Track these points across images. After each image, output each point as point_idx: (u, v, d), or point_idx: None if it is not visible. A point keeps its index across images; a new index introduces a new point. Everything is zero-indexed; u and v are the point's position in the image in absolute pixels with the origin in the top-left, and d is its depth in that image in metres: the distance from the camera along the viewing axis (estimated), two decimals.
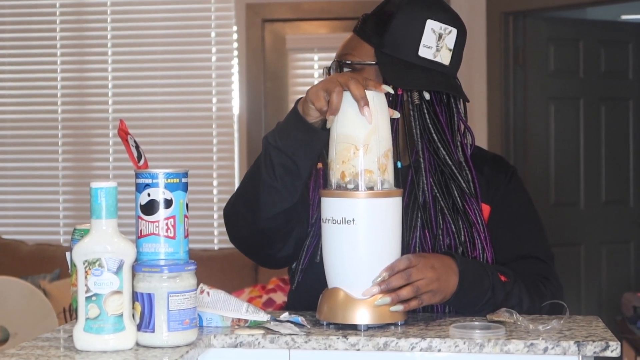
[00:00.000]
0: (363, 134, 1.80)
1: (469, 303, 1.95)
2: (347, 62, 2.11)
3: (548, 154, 5.78)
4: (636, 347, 4.15)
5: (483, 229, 2.05)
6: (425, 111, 2.09)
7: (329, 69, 2.15)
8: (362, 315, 1.79)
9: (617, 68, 5.98)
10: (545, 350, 1.69)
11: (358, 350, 1.74)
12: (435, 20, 2.14)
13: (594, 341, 1.69)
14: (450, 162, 2.07)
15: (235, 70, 6.01)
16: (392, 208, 1.80)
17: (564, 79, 5.82)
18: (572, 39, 5.84)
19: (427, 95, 2.10)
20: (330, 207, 1.81)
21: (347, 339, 1.74)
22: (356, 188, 1.79)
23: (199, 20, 6.09)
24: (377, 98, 1.82)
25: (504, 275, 2.00)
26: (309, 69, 6.01)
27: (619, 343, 1.70)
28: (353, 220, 1.79)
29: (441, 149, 2.08)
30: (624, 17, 6.66)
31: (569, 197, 5.85)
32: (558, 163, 5.81)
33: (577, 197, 5.88)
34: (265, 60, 5.96)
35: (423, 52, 2.11)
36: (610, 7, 6.05)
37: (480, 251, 2.04)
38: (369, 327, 1.80)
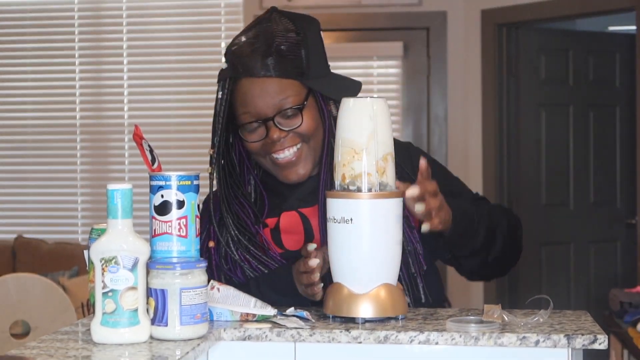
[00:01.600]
0: (362, 139, 1.80)
1: (465, 232, 1.97)
2: (294, 107, 2.01)
3: (539, 157, 5.78)
4: (623, 340, 4.15)
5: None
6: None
7: (264, 122, 2.02)
8: (365, 309, 1.79)
9: (604, 77, 5.97)
10: (537, 343, 1.68)
11: (360, 342, 1.74)
12: (320, 30, 2.11)
13: (583, 334, 1.69)
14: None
15: None
16: (388, 208, 1.80)
17: (554, 87, 5.81)
18: (562, 49, 5.84)
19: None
20: (332, 207, 1.81)
21: (350, 332, 1.74)
22: (357, 190, 1.80)
23: (209, 30, 6.09)
24: (377, 104, 1.82)
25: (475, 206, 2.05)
26: None
27: (607, 336, 1.70)
28: (351, 219, 1.79)
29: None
30: (611, 28, 6.65)
31: (559, 198, 5.85)
32: (549, 166, 5.81)
33: (567, 198, 5.88)
34: None
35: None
36: (598, 18, 6.05)
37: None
38: (366, 321, 1.80)
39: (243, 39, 2.04)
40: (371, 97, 1.85)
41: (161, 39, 6.16)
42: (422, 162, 1.86)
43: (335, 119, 1.95)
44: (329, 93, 2.06)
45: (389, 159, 1.81)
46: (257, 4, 5.90)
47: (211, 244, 2.07)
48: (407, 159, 2.10)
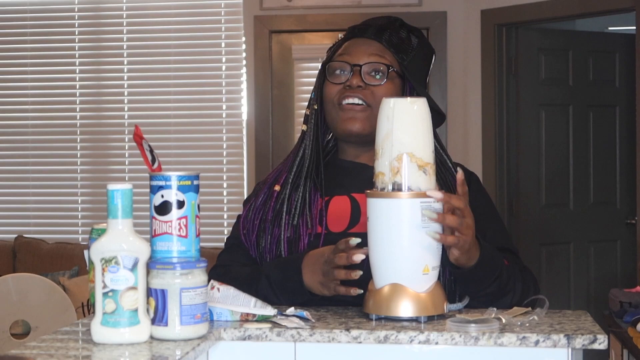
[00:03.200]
0: (379, 139, 1.82)
1: (482, 278, 1.93)
2: (385, 64, 2.14)
3: (539, 157, 5.78)
4: (622, 340, 4.15)
5: None
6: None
7: (352, 67, 2.14)
8: (388, 308, 1.81)
9: (604, 76, 5.97)
10: (537, 343, 1.68)
11: (360, 342, 1.74)
12: (434, 55, 2.27)
13: (582, 334, 1.69)
14: (450, 165, 2.14)
15: (244, 78, 6.01)
16: (396, 208, 1.80)
17: (554, 87, 5.81)
18: (562, 49, 5.84)
19: None
20: (365, 205, 1.86)
21: (350, 332, 1.74)
22: (377, 189, 1.82)
23: (209, 31, 6.09)
24: (397, 104, 1.82)
25: (505, 259, 2.01)
26: (314, 77, 5.98)
27: (607, 336, 1.70)
28: (368, 218, 1.83)
29: (442, 154, 2.14)
30: (611, 28, 6.66)
31: (559, 198, 5.85)
32: (549, 166, 5.81)
33: (567, 198, 5.88)
34: (272, 69, 5.97)
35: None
36: (597, 19, 6.05)
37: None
38: (379, 318, 1.81)
39: (369, 19, 2.23)
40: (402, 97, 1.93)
41: (161, 39, 6.16)
42: (460, 174, 1.85)
43: None
44: (417, 85, 2.15)
45: (404, 158, 1.80)
46: (257, 4, 5.91)
47: (277, 187, 2.14)
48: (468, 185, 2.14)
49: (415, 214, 1.79)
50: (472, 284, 1.94)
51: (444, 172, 2.12)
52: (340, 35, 2.23)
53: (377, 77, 2.14)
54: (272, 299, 1.98)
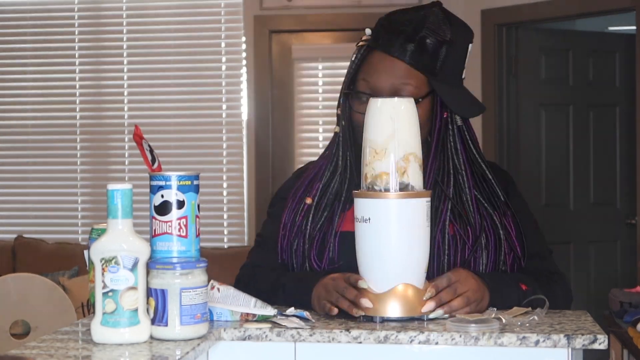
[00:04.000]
0: (381, 139, 1.80)
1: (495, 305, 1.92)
2: (410, 96, 1.99)
3: (539, 157, 5.78)
4: (623, 340, 4.14)
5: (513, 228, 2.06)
6: (465, 130, 2.09)
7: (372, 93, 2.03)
8: (383, 308, 1.80)
9: (604, 76, 5.97)
10: (537, 343, 1.68)
11: (360, 342, 1.74)
12: (471, 43, 2.13)
13: (583, 334, 1.69)
14: (490, 176, 2.09)
15: (243, 78, 6.01)
16: (404, 208, 1.80)
17: (554, 87, 5.81)
18: (562, 49, 5.84)
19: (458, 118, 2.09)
20: (356, 206, 1.83)
21: (350, 332, 1.74)
22: (380, 190, 1.80)
23: (209, 31, 6.09)
24: (403, 104, 1.82)
25: (524, 283, 1.98)
26: (314, 77, 6.01)
27: (607, 336, 1.70)
28: (369, 219, 1.80)
29: (482, 164, 2.09)
30: (611, 28, 6.65)
31: (559, 198, 5.85)
32: (549, 166, 5.81)
33: (567, 198, 5.88)
34: (272, 69, 5.97)
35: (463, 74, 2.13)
36: (598, 18, 6.05)
37: (512, 247, 2.05)
38: (383, 320, 1.80)
39: (397, 16, 2.08)
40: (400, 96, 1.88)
41: (161, 39, 6.16)
42: (431, 288, 1.84)
43: (458, 128, 2.05)
44: (448, 102, 2.05)
45: (410, 159, 1.80)
46: (257, 3, 5.91)
47: (309, 200, 2.10)
48: (505, 186, 2.14)
49: (423, 213, 1.81)
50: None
51: (478, 168, 2.08)
52: (366, 34, 2.09)
53: None
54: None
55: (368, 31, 2.10)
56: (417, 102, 1.98)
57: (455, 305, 1.82)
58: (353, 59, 2.11)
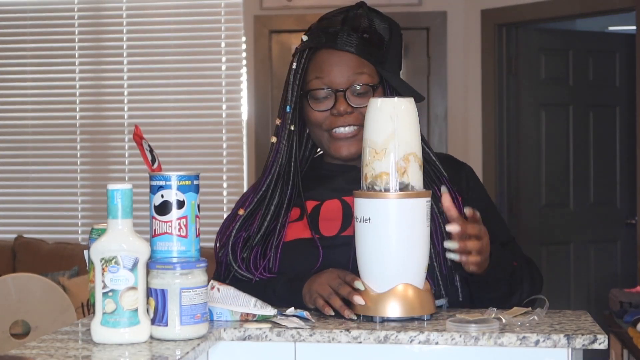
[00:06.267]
0: (381, 139, 1.80)
1: (493, 282, 1.95)
2: (367, 84, 2.06)
3: (539, 157, 5.78)
4: (623, 340, 4.15)
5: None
6: None
7: (335, 93, 2.06)
8: (382, 308, 1.80)
9: (604, 76, 5.98)
10: (537, 343, 1.68)
11: (360, 342, 1.74)
12: (402, 35, 2.17)
13: (583, 334, 1.69)
14: (436, 160, 2.11)
15: (243, 78, 6.01)
16: (405, 208, 1.79)
17: (554, 87, 5.81)
18: (562, 49, 5.84)
19: None
20: (355, 206, 1.83)
21: (350, 332, 1.74)
22: (380, 190, 1.80)
23: (209, 31, 6.09)
24: (403, 103, 1.82)
25: (514, 260, 2.03)
26: None
27: (607, 336, 1.70)
28: (369, 219, 1.80)
29: (425, 148, 2.08)
30: (611, 28, 6.66)
31: (559, 199, 5.85)
32: (549, 166, 5.81)
33: (567, 198, 5.88)
34: (272, 69, 5.96)
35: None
36: (597, 18, 6.05)
37: None
38: (383, 320, 1.80)
39: (331, 18, 2.11)
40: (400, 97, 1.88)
41: (161, 39, 6.16)
42: (469, 211, 1.86)
43: None
44: (401, 90, 2.08)
45: (410, 159, 1.80)
46: (257, 4, 5.91)
47: (241, 211, 2.10)
48: (458, 176, 2.14)
49: (423, 213, 1.81)
50: (484, 287, 1.97)
51: (426, 166, 2.07)
52: (304, 36, 2.12)
53: (362, 95, 2.07)
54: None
55: (304, 37, 2.12)
56: (374, 90, 2.07)
57: (470, 246, 1.83)
58: (294, 66, 2.10)
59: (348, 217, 2.06)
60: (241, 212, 2.10)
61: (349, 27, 2.07)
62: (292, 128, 2.12)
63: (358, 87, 2.06)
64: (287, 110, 2.11)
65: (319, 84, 2.08)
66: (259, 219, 2.08)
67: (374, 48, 2.07)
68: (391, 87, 2.10)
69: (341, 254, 2.00)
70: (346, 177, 2.11)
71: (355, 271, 1.86)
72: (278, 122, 2.14)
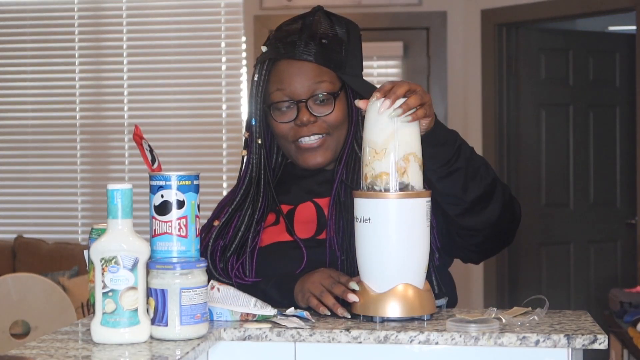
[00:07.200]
0: (381, 139, 1.80)
1: (444, 142, 1.96)
2: (328, 92, 2.06)
3: (539, 157, 5.78)
4: (623, 340, 4.15)
5: None
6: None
7: (297, 104, 2.06)
8: (382, 308, 1.80)
9: (604, 76, 5.98)
10: (537, 343, 1.69)
11: (360, 342, 1.74)
12: (360, 35, 2.17)
13: (583, 334, 1.69)
14: None
15: (243, 78, 6.01)
16: (405, 208, 1.79)
17: (554, 87, 5.82)
18: (562, 48, 5.84)
19: None
20: (356, 206, 1.83)
21: (350, 332, 1.74)
22: (380, 190, 1.80)
23: (209, 31, 6.09)
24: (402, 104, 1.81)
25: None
26: None
27: (607, 336, 1.70)
28: (369, 219, 1.80)
29: None
30: (611, 28, 6.66)
31: (559, 199, 5.85)
32: (549, 166, 5.81)
33: (567, 198, 5.88)
34: None
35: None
36: (598, 18, 6.05)
37: None
38: (384, 320, 1.80)
39: (288, 26, 2.11)
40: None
41: (161, 39, 6.16)
42: (361, 102, 1.84)
43: (363, 118, 1.97)
44: (361, 91, 2.07)
45: (410, 159, 1.80)
46: (257, 4, 5.91)
47: (216, 222, 2.10)
48: None
49: (423, 213, 1.81)
50: (442, 152, 1.95)
51: None
52: (264, 47, 2.12)
53: (324, 104, 2.07)
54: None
55: (264, 48, 2.12)
56: (335, 97, 2.07)
57: (411, 102, 1.78)
58: (256, 78, 2.10)
59: (322, 219, 2.08)
60: (216, 223, 2.11)
61: (307, 35, 2.06)
62: (260, 142, 2.13)
63: (320, 96, 2.06)
64: (253, 123, 2.12)
65: (280, 95, 2.08)
66: (233, 229, 2.10)
67: (333, 53, 2.07)
68: (354, 90, 2.10)
69: (319, 256, 2.02)
70: (317, 179, 2.13)
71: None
72: (246, 135, 2.16)
